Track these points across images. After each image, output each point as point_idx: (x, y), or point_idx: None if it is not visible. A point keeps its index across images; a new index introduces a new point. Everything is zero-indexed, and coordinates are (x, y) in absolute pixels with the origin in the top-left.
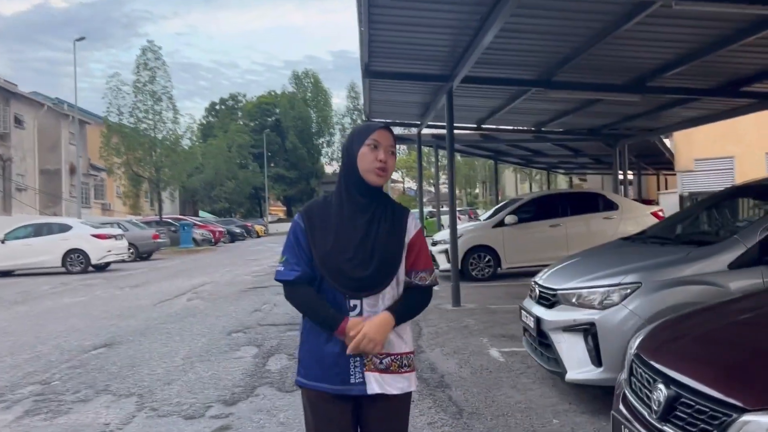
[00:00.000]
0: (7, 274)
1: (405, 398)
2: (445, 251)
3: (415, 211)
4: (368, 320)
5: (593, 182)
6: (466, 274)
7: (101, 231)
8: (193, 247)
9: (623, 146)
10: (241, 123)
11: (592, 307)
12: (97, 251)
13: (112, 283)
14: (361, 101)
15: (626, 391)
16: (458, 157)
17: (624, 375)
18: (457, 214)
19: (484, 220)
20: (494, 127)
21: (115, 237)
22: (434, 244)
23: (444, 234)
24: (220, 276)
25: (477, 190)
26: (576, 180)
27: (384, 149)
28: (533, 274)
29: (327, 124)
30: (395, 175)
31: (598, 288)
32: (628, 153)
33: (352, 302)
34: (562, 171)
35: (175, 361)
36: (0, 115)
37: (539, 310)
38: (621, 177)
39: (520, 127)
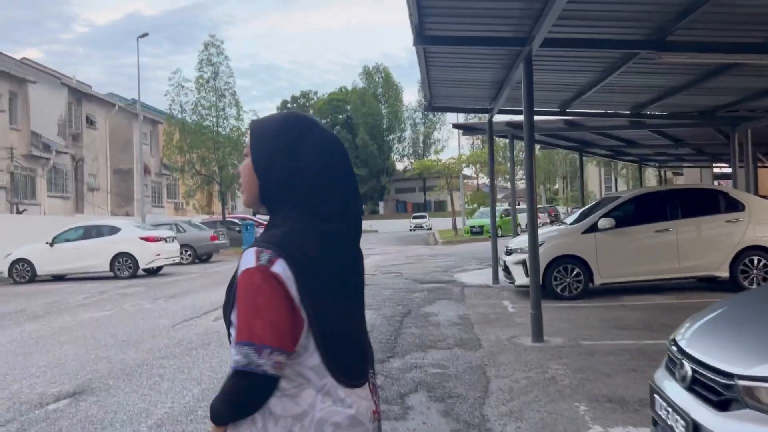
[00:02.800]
0: (60, 278)
1: None
2: (523, 262)
3: None
4: None
5: (690, 177)
6: (549, 290)
7: (150, 233)
8: None
9: (744, 131)
10: None
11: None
12: (145, 255)
13: (150, 292)
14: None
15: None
16: (537, 149)
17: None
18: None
19: (570, 224)
20: (582, 111)
21: (164, 240)
22: (509, 252)
23: (521, 240)
24: None
25: (557, 186)
26: (669, 174)
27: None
28: (634, 291)
29: (398, 119)
30: (467, 170)
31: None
32: (744, 140)
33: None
34: (654, 164)
35: (140, 431)
36: (72, 116)
37: (701, 414)
38: (730, 169)
39: (615, 111)
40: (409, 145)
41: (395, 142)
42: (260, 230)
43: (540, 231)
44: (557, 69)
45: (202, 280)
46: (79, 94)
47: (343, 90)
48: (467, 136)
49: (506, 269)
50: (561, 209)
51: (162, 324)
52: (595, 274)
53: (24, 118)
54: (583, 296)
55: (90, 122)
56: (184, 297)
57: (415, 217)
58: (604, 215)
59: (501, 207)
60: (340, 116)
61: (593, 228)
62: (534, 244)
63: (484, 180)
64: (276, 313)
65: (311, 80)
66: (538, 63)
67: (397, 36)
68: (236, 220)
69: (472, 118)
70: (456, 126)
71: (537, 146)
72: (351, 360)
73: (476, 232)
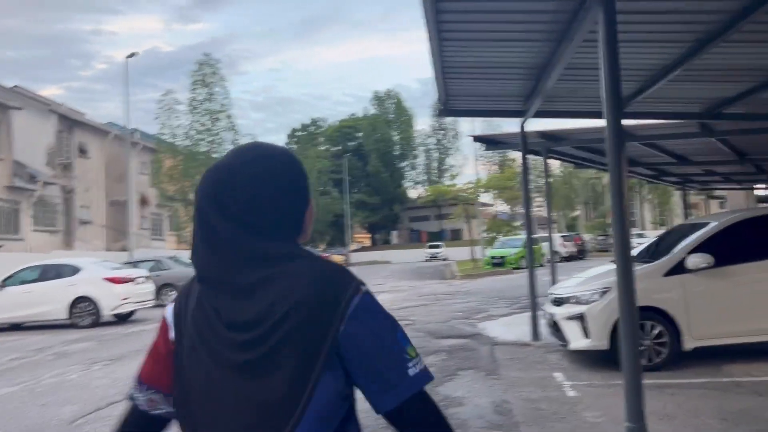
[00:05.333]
0: (15, 327)
1: None
2: (580, 317)
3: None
4: None
5: (735, 201)
6: (619, 356)
7: (117, 274)
8: None
9: None
10: (323, 148)
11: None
12: (109, 299)
13: (96, 351)
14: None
15: None
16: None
17: None
18: (560, 239)
19: (639, 260)
20: (642, 111)
21: (133, 280)
22: (558, 302)
23: (575, 285)
24: None
25: (578, 212)
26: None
27: None
28: (738, 356)
29: (410, 145)
30: (486, 197)
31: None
32: None
33: None
34: (696, 186)
35: None
36: (63, 145)
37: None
38: None
39: (682, 110)
40: (423, 171)
41: (408, 169)
42: None
43: (595, 270)
44: (624, 41)
45: None
46: (70, 122)
47: (354, 117)
48: (483, 160)
49: (554, 326)
50: (586, 237)
51: (65, 414)
52: (685, 334)
53: (6, 146)
54: (668, 365)
55: (82, 151)
56: (132, 359)
57: (430, 247)
58: (694, 249)
59: (521, 236)
60: (351, 143)
61: (679, 268)
62: (628, 297)
63: (502, 207)
64: None
65: (324, 112)
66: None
67: (410, 67)
68: None
69: (488, 129)
70: (477, 139)
71: (562, 165)
72: None
73: (497, 264)
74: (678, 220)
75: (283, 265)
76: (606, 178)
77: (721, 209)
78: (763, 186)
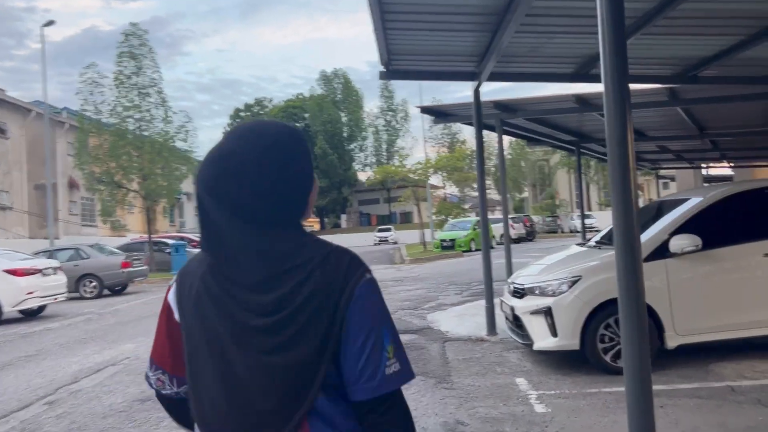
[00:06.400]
0: None
1: None
2: (547, 312)
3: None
4: None
5: (684, 182)
6: (590, 356)
7: (20, 265)
8: None
9: None
10: None
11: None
12: (11, 294)
13: None
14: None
15: None
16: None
17: None
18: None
19: (598, 243)
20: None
21: (41, 272)
22: (518, 293)
23: (538, 273)
24: None
25: (525, 194)
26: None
27: None
28: (726, 353)
29: (359, 127)
30: (435, 179)
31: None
32: None
33: None
34: (647, 166)
35: None
36: None
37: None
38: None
39: (655, 73)
40: (372, 153)
41: (357, 151)
42: (195, 251)
43: (558, 255)
44: None
45: (84, 328)
46: None
47: (300, 97)
48: (433, 142)
49: (516, 321)
50: (536, 219)
51: None
52: (668, 329)
53: None
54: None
55: (1, 131)
56: (19, 368)
57: (379, 231)
58: (677, 230)
59: (471, 219)
60: (298, 124)
61: (662, 251)
62: (633, 290)
63: (452, 189)
64: None
65: (273, 94)
66: None
67: (359, 50)
68: (168, 241)
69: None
70: (425, 110)
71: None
72: None
73: (447, 247)
74: None
75: (293, 258)
76: (555, 158)
77: (663, 190)
78: (714, 164)
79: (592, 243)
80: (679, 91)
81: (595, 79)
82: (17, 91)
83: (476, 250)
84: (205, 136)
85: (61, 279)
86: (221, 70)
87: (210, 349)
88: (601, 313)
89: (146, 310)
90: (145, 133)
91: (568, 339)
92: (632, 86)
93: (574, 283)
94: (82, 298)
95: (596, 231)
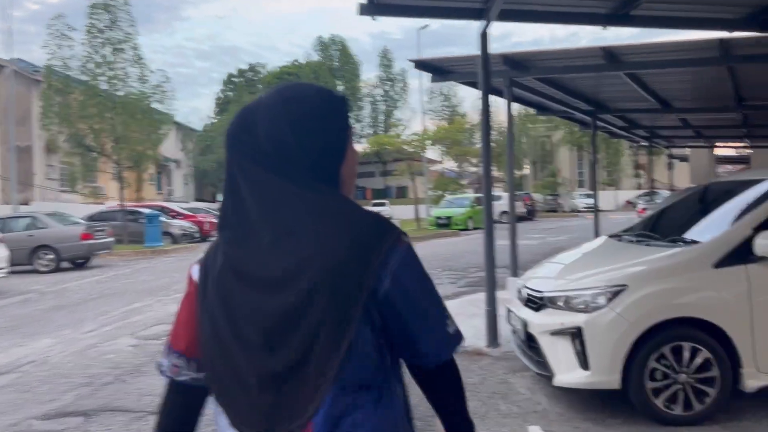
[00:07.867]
0: None
1: None
2: (574, 333)
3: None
4: None
5: (697, 160)
6: (635, 396)
7: None
8: (162, 245)
9: None
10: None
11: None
12: None
13: None
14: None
15: None
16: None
17: None
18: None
19: (635, 236)
20: (654, 15)
21: None
22: (534, 302)
23: (560, 275)
24: (107, 324)
25: (526, 171)
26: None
27: None
28: None
29: (356, 97)
30: (433, 152)
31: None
32: None
33: None
34: (662, 143)
35: None
36: None
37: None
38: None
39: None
40: (369, 125)
41: (353, 122)
42: (175, 222)
43: (581, 250)
44: None
45: (11, 313)
46: None
47: (296, 63)
48: (432, 115)
49: (529, 342)
50: (538, 197)
51: None
52: (746, 364)
53: None
54: (716, 415)
55: None
56: None
57: (374, 205)
58: (764, 223)
59: (469, 195)
60: None
61: (742, 253)
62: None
63: (450, 164)
64: None
65: (273, 62)
66: None
67: (362, 20)
68: (144, 210)
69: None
70: (420, 65)
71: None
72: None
73: (442, 224)
74: (629, 181)
75: (312, 215)
76: (557, 134)
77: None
78: (732, 143)
79: (629, 237)
80: (733, 46)
81: (641, 22)
82: (14, 54)
83: (474, 228)
84: (204, 104)
85: (2, 253)
86: (221, 37)
87: (228, 320)
88: (652, 340)
89: (95, 291)
90: (119, 93)
91: (605, 374)
92: (678, 39)
93: (615, 294)
94: (36, 271)
95: (598, 211)
